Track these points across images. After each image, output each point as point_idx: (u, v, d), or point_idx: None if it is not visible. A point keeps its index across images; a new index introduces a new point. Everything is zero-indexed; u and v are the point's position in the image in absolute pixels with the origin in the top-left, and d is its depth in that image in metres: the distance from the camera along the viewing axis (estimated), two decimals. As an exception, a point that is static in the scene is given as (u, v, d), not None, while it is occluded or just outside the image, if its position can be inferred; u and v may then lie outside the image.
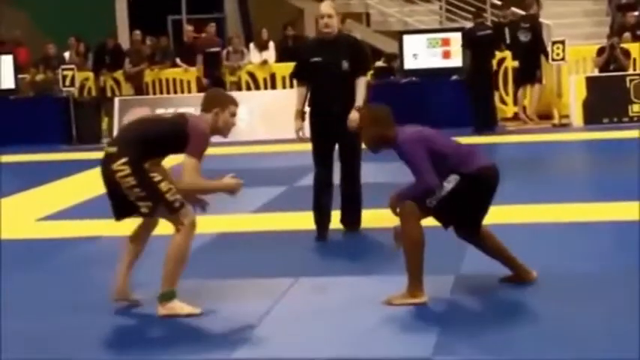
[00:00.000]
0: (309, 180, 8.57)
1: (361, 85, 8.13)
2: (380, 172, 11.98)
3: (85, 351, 5.56)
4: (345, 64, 8.05)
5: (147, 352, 5.49)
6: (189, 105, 17.52)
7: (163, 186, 5.90)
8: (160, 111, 17.53)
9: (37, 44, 20.48)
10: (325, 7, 8.17)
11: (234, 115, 6.21)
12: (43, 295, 6.81)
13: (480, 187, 6.15)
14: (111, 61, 19.24)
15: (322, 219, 8.22)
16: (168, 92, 18.82)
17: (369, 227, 8.36)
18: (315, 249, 8.06)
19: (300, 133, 8.32)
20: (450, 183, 6.04)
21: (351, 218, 8.38)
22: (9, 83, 18.37)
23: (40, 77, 19.02)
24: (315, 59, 8.12)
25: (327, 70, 8.06)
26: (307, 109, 8.34)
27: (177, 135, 5.95)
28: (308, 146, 8.51)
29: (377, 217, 8.53)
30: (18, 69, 18.67)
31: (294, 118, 8.30)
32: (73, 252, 8.25)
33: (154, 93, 18.85)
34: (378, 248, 7.80)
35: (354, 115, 7.94)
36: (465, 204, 6.13)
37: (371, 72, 17.49)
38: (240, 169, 11.94)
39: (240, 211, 9.29)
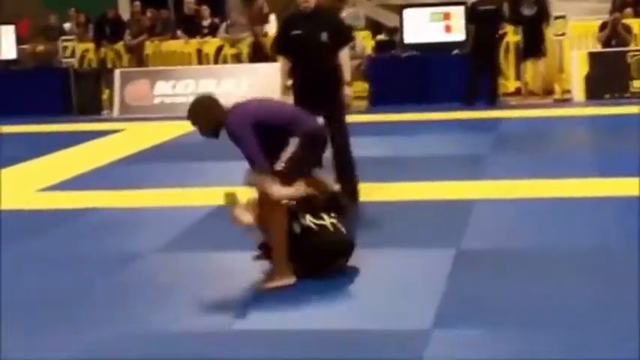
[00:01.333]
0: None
1: (345, 58, 8.26)
2: (374, 145, 11.98)
3: (79, 324, 5.56)
4: (324, 36, 8.12)
5: (145, 321, 5.47)
6: (190, 77, 17.50)
7: None
8: (160, 83, 17.51)
9: (38, 15, 20.42)
10: None
11: None
12: (41, 265, 6.79)
13: (316, 145, 6.17)
14: (111, 32, 19.15)
15: None
16: (168, 64, 18.73)
17: (367, 201, 8.33)
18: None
19: None
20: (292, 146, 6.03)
21: (347, 189, 8.29)
22: (10, 54, 18.28)
23: (40, 48, 18.94)
24: (296, 32, 8.19)
25: (306, 42, 8.13)
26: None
27: None
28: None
29: (374, 190, 8.53)
30: (19, 40, 18.55)
31: (279, 93, 8.33)
32: (73, 223, 8.22)
33: (155, 65, 18.77)
34: (376, 222, 7.76)
35: (347, 90, 8.24)
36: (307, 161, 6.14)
37: (372, 45, 17.60)
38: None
39: (239, 183, 9.24)
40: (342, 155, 8.28)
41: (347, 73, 8.25)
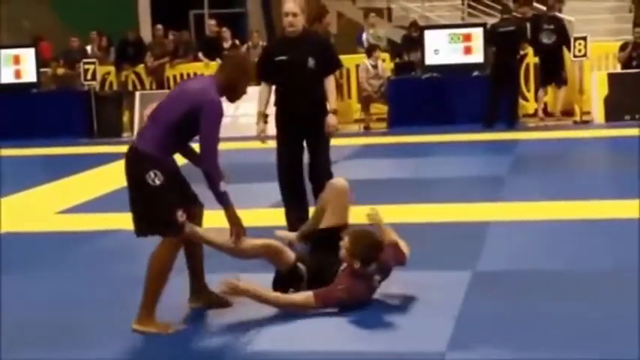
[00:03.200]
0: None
1: (330, 85, 7.87)
2: (392, 167, 12.03)
3: (97, 343, 5.62)
4: (311, 62, 7.76)
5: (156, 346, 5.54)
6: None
7: None
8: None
9: (60, 38, 20.58)
10: (289, 6, 7.79)
11: None
12: (60, 287, 6.86)
13: None
14: (133, 54, 19.27)
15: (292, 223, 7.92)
16: (189, 86, 18.81)
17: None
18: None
19: (262, 136, 8.06)
20: None
21: None
22: (31, 77, 18.39)
23: (61, 71, 19.10)
24: (281, 58, 7.84)
25: (292, 68, 7.79)
26: (272, 109, 8.01)
27: None
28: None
29: (391, 212, 8.53)
30: (40, 63, 18.71)
31: (255, 120, 8.08)
32: (92, 245, 8.29)
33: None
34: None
35: (332, 120, 7.82)
36: None
37: (391, 67, 17.64)
38: (256, 164, 11.99)
39: (256, 206, 9.29)
40: (321, 184, 7.55)
41: (332, 101, 7.86)
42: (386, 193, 9.91)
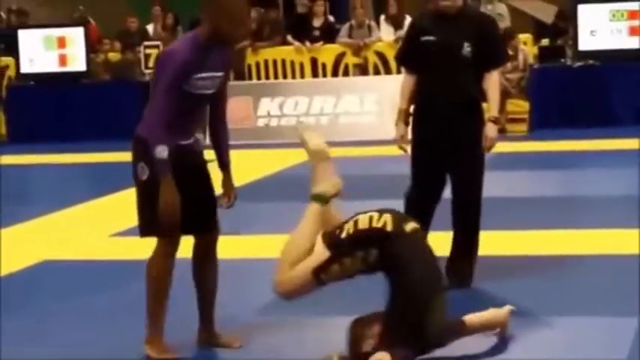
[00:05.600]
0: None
1: (494, 83, 7.56)
2: (535, 182, 11.92)
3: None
4: (466, 48, 7.43)
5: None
6: (301, 93, 17.65)
7: None
8: (264, 100, 17.72)
9: (115, 16, 20.88)
10: None
11: None
12: (113, 327, 6.96)
13: None
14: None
15: None
16: (276, 77, 18.90)
17: (525, 254, 8.26)
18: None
19: (402, 141, 7.74)
20: None
21: (461, 269, 7.62)
22: (80, 64, 18.68)
23: (116, 57, 19.34)
24: (428, 38, 7.56)
25: (441, 53, 7.48)
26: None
27: None
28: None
29: (534, 240, 8.46)
30: (90, 47, 18.98)
31: (395, 121, 7.78)
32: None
33: (258, 78, 18.96)
34: (537, 280, 7.71)
35: (491, 131, 7.50)
36: None
37: (534, 52, 17.53)
38: (368, 175, 12.01)
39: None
40: (464, 223, 7.64)
41: (494, 106, 7.55)
42: (527, 215, 9.85)
